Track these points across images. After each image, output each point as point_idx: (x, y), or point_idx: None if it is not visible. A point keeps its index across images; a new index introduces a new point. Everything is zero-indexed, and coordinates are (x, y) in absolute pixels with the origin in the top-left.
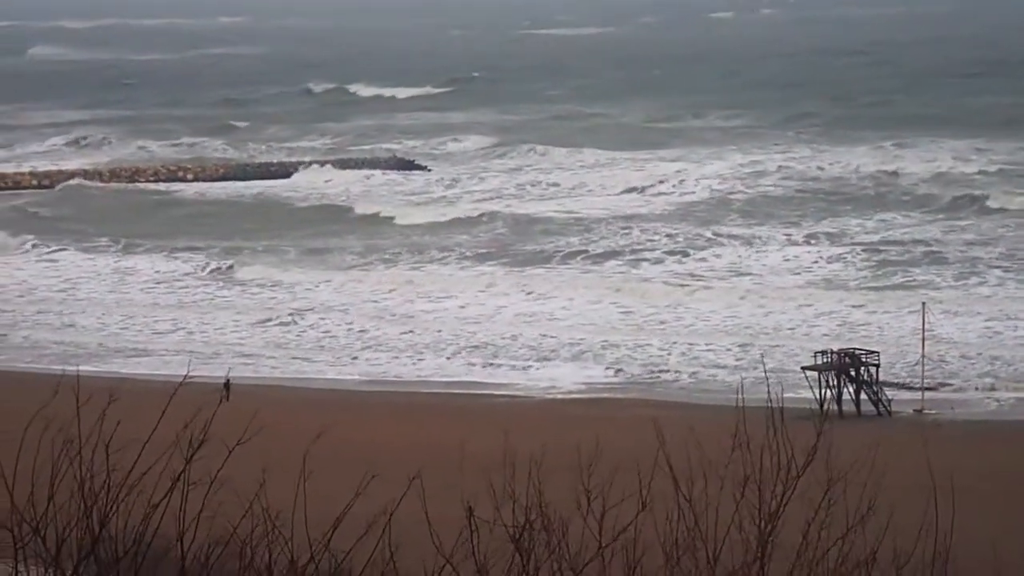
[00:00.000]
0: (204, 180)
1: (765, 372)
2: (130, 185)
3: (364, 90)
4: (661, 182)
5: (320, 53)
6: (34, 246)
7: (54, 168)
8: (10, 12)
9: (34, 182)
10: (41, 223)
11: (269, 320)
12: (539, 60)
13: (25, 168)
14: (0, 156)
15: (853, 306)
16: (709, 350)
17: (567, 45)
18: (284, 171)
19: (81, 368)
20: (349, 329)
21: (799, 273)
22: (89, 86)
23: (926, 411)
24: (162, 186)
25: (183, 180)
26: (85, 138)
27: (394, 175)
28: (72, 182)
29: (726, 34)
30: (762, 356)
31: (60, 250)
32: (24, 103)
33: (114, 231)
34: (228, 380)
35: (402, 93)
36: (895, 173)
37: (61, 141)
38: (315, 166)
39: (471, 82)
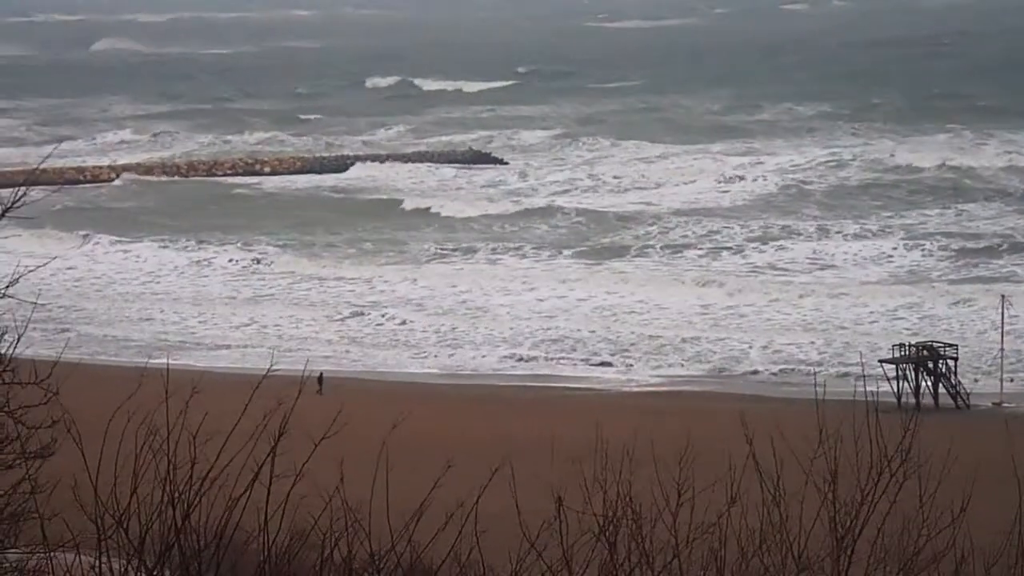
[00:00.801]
0: (282, 173)
1: (863, 367)
2: (208, 178)
3: (433, 84)
4: (738, 171)
5: (392, 45)
6: (91, 239)
7: (132, 161)
8: (84, 6)
9: (112, 175)
10: (118, 215)
11: (346, 314)
12: (612, 52)
13: (104, 161)
14: (79, 148)
15: (934, 298)
16: (790, 343)
17: (640, 37)
18: (357, 164)
19: (163, 361)
20: (426, 322)
21: (880, 264)
22: (161, 79)
23: (1005, 404)
24: (239, 179)
25: (260, 173)
26: (158, 132)
27: (471, 168)
28: (150, 177)
29: (799, 26)
30: (860, 356)
31: (134, 242)
32: (97, 96)
33: (190, 224)
34: (321, 374)
35: (472, 86)
36: (972, 164)
37: (134, 134)
38: (389, 160)
39: (543, 75)
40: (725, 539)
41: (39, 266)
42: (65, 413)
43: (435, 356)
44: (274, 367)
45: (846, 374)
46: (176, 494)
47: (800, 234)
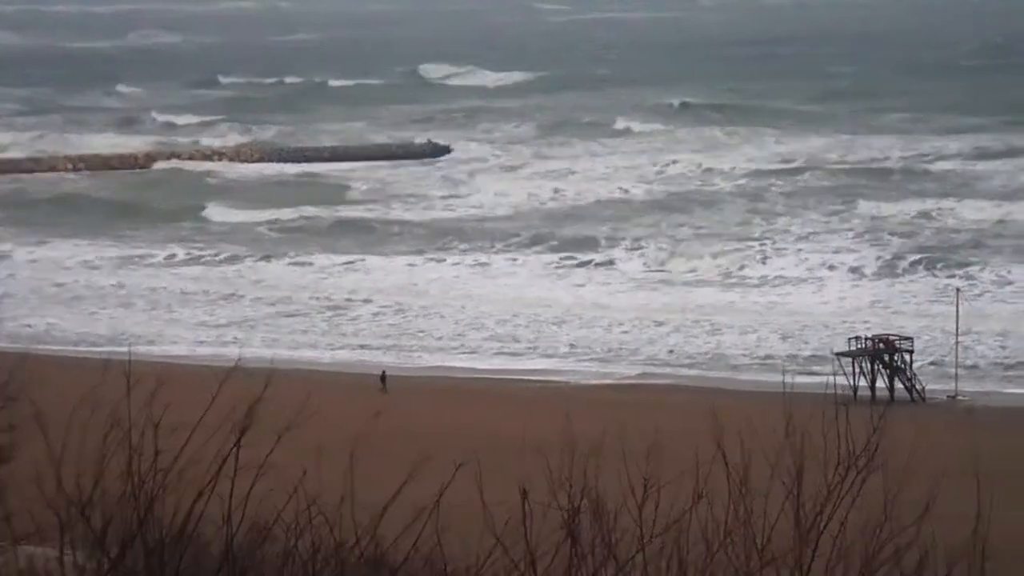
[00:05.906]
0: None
1: (834, 361)
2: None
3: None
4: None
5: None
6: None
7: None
8: None
9: None
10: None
11: (321, 308)
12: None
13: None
14: None
15: (895, 292)
16: (758, 338)
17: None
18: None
19: (122, 352)
20: (399, 315)
21: (839, 257)
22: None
23: (960, 397)
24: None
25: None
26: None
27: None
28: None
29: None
30: (833, 353)
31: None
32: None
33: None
34: (384, 372)
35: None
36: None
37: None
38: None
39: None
40: (689, 533)
41: None
42: (27, 406)
43: (408, 349)
44: (242, 360)
45: (811, 371)
46: (139, 485)
47: (759, 229)
